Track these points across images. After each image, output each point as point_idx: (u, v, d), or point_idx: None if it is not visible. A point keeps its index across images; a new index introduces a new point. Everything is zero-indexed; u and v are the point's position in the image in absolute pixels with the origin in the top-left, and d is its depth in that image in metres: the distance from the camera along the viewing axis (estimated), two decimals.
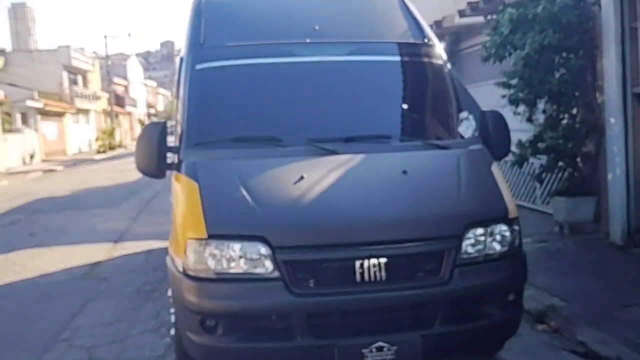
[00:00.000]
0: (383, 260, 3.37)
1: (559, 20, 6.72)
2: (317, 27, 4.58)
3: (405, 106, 4.43)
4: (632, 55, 6.75)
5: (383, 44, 4.58)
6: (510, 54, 7.24)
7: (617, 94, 6.77)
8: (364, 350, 3.33)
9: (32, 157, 33.52)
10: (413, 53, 4.58)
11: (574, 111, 7.30)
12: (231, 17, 4.81)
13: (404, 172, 3.75)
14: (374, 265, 3.36)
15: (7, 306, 6.12)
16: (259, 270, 3.34)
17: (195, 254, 3.40)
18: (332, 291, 3.35)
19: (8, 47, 45.60)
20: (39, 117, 37.51)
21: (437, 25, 10.56)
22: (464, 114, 4.34)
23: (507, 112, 5.37)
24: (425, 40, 4.66)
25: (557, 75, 6.97)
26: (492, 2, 8.24)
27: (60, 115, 41.15)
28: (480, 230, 3.60)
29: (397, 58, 4.55)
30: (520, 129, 7.70)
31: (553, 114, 7.31)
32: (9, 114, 34.98)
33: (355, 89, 4.37)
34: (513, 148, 7.45)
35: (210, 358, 3.50)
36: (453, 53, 10.75)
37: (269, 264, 3.33)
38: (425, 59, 4.59)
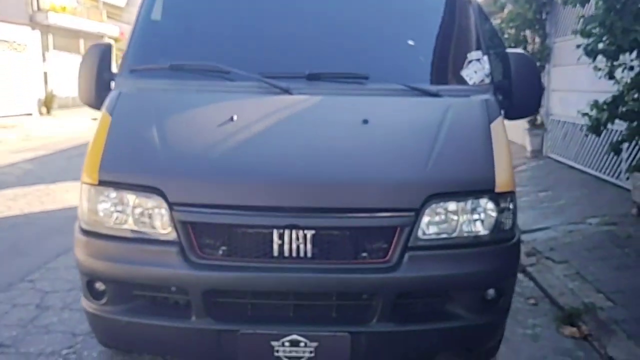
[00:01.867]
0: (310, 232, 2.60)
1: None
2: None
3: (394, 40, 3.48)
4: None
5: None
6: None
7: None
8: (274, 343, 2.62)
9: None
10: None
11: None
12: None
13: (365, 121, 2.90)
14: (298, 238, 2.60)
15: (8, 237, 5.96)
16: (151, 230, 2.69)
17: (87, 202, 2.80)
18: (240, 265, 2.63)
19: None
20: None
21: None
22: (474, 54, 3.36)
23: None
24: None
25: None
26: None
27: None
28: (451, 205, 2.71)
29: None
30: (598, 90, 6.45)
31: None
32: (121, 51, 36.35)
33: (336, 15, 3.49)
34: (587, 110, 6.26)
35: (98, 329, 2.94)
36: None
37: (163, 224, 2.67)
38: None
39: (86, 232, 2.80)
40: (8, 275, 4.76)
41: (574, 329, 4.07)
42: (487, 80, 3.32)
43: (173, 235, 2.65)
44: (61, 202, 7.45)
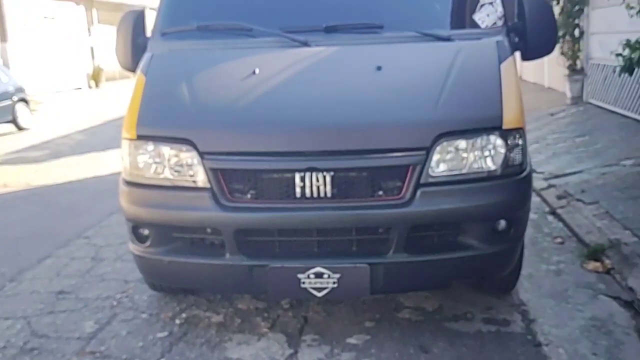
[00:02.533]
0: (329, 173, 2.83)
1: None
2: None
3: None
4: None
5: None
6: None
7: None
8: (300, 275, 2.88)
9: None
10: None
11: None
12: None
13: (379, 68, 3.09)
14: (318, 180, 2.83)
15: (65, 200, 6.44)
16: (186, 178, 2.96)
17: (128, 156, 3.10)
18: (267, 206, 2.89)
19: None
20: None
21: None
22: None
23: None
24: None
25: None
26: None
27: None
28: (461, 143, 2.89)
29: None
30: (637, 30, 6.35)
31: None
32: None
33: None
34: (620, 50, 6.21)
35: (145, 270, 3.27)
36: None
37: (196, 172, 2.94)
38: None
39: (129, 183, 3.11)
40: (66, 233, 5.19)
41: (598, 264, 4.19)
42: (500, 23, 3.43)
43: (205, 182, 2.92)
44: (112, 168, 7.89)
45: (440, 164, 2.88)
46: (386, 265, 2.88)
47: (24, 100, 13.40)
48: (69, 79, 23.17)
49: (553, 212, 5.41)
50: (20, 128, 13.02)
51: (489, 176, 2.93)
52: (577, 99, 10.32)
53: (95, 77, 24.81)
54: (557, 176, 6.35)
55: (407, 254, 2.87)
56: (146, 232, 3.10)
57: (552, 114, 9.73)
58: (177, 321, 3.49)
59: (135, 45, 3.65)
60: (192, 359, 3.10)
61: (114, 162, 8.26)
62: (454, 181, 2.89)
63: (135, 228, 3.13)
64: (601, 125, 8.59)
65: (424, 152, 2.84)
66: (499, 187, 2.94)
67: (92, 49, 25.35)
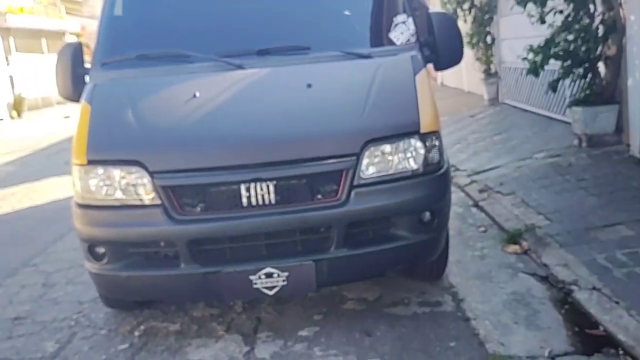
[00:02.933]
0: (272, 182, 3.13)
1: None
2: None
3: (330, 13, 3.99)
4: None
5: None
6: None
7: None
8: (252, 277, 3.16)
9: None
10: None
11: (592, 9, 6.46)
12: None
13: (309, 85, 3.43)
14: (261, 188, 3.13)
15: (4, 231, 6.44)
16: (138, 197, 3.20)
17: (79, 180, 3.30)
18: (216, 217, 3.16)
19: None
20: None
21: None
22: (400, 18, 3.87)
23: None
24: None
25: None
26: None
27: None
28: (386, 147, 3.26)
29: None
30: (540, 35, 6.96)
31: (569, 13, 6.51)
32: (87, 46, 36.13)
33: None
34: (525, 54, 6.82)
35: (103, 286, 3.47)
36: None
37: (147, 190, 3.17)
38: None
39: (81, 206, 3.31)
40: (12, 263, 5.24)
41: (516, 246, 4.67)
42: (413, 40, 3.84)
43: (156, 200, 3.16)
44: (49, 196, 7.90)
45: (370, 166, 3.24)
46: (329, 260, 3.21)
47: None
48: None
49: (476, 205, 5.90)
50: None
51: (412, 174, 3.31)
52: (494, 101, 11.03)
53: (17, 106, 24.05)
54: (478, 172, 6.88)
55: (346, 248, 3.21)
56: (102, 250, 3.29)
57: (472, 116, 10.38)
58: (136, 333, 3.69)
59: (75, 75, 3.85)
60: None
61: (49, 191, 8.26)
62: (383, 181, 3.26)
63: (91, 247, 3.32)
64: (516, 123, 9.27)
65: (354, 158, 3.19)
66: (422, 184, 3.33)
67: (11, 77, 24.60)
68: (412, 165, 3.31)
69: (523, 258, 4.47)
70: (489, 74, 11.08)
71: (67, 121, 20.55)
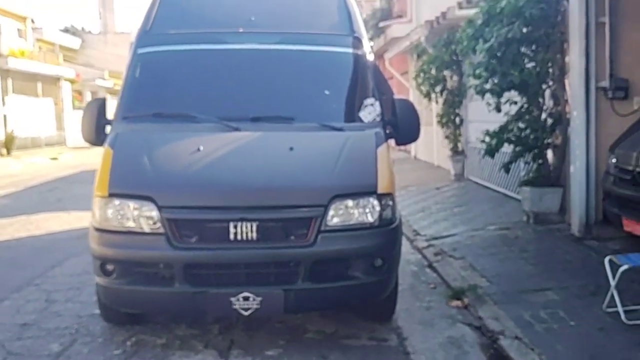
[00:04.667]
0: (254, 222, 3.91)
1: (523, 14, 6.95)
2: (253, 18, 5.13)
3: (314, 92, 4.90)
4: (598, 50, 6.90)
5: (307, 35, 5.06)
6: None
7: (580, 88, 6.93)
8: (232, 299, 3.89)
9: None
10: (333, 44, 5.03)
11: (541, 103, 7.50)
12: (181, 8, 5.40)
13: (291, 148, 4.27)
14: (246, 227, 3.91)
15: (4, 256, 7.09)
16: (147, 225, 3.96)
17: (99, 209, 4.06)
18: (208, 247, 3.93)
19: (95, 29, 47.87)
20: (108, 96, 39.57)
21: (443, 16, 10.84)
22: (369, 101, 4.77)
23: None
24: (350, 33, 5.11)
25: (522, 67, 7.19)
26: None
27: None
28: (349, 202, 4.07)
29: (317, 48, 5.00)
30: (502, 121, 7.93)
31: (522, 105, 7.54)
32: (80, 92, 37.29)
33: (273, 75, 4.89)
34: (482, 137, 7.80)
35: (108, 297, 4.17)
36: None
37: (155, 221, 3.94)
38: (346, 50, 5.03)
39: (99, 230, 4.06)
40: (16, 282, 5.89)
41: (459, 302, 5.42)
42: (378, 119, 4.72)
43: (161, 229, 3.93)
44: (44, 229, 8.57)
45: (334, 217, 4.04)
46: (296, 291, 3.96)
47: None
48: None
49: (430, 266, 6.69)
50: None
51: (369, 226, 4.12)
52: (460, 176, 12.00)
53: (8, 144, 24.68)
54: (436, 238, 7.70)
55: (311, 282, 3.97)
56: (111, 267, 4.02)
57: (437, 188, 11.30)
58: (129, 343, 4.36)
59: (99, 125, 4.66)
60: None
61: (44, 224, 8.93)
62: (344, 229, 4.06)
63: (103, 264, 4.05)
64: (476, 198, 10.20)
65: (322, 208, 4.00)
66: (376, 234, 4.14)
67: (5, 116, 25.33)
68: (369, 218, 4.12)
69: (463, 312, 5.19)
70: (456, 152, 12.10)
71: (54, 162, 21.29)
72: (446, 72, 11.91)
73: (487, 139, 7.70)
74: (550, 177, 7.61)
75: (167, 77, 4.93)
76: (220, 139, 4.36)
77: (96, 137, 4.66)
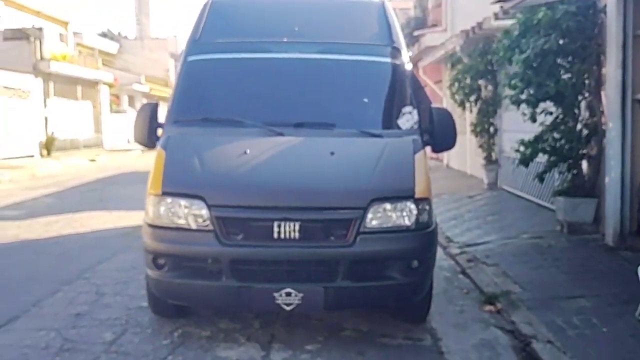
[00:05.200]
0: (297, 222, 4.12)
1: (560, 26, 7.05)
2: (296, 29, 5.37)
3: (354, 99, 5.11)
4: (635, 62, 6.96)
5: (347, 45, 5.27)
6: None
7: (616, 99, 7.00)
8: (275, 294, 4.11)
9: None
10: (373, 53, 5.24)
11: (577, 114, 7.58)
12: (229, 17, 5.68)
13: (332, 153, 4.47)
14: (289, 226, 4.12)
15: (53, 250, 7.45)
16: (196, 223, 4.20)
17: (152, 206, 4.32)
18: (253, 244, 4.16)
19: (131, 35, 49.06)
20: (144, 100, 40.53)
21: (479, 26, 10.96)
22: (407, 109, 4.96)
23: None
24: (390, 43, 5.31)
25: (558, 78, 7.29)
26: (518, 7, 8.57)
27: (164, 99, 44.03)
28: (387, 205, 4.26)
29: (357, 57, 5.21)
30: (536, 130, 8.01)
31: (558, 115, 7.62)
32: (117, 96, 38.21)
33: (315, 83, 5.11)
34: (516, 146, 7.90)
35: (159, 290, 4.42)
36: None
37: (205, 218, 4.18)
38: (385, 60, 5.23)
39: (152, 226, 4.31)
40: (66, 275, 6.22)
41: (492, 306, 5.55)
42: (415, 127, 4.90)
43: (210, 226, 4.16)
44: (89, 227, 8.93)
45: (373, 219, 4.23)
46: (335, 288, 4.16)
47: None
48: (22, 146, 23.78)
49: (463, 272, 6.81)
50: None
51: (406, 229, 4.30)
52: (493, 185, 12.07)
53: (48, 145, 25.46)
54: (469, 245, 7.82)
55: (349, 281, 4.16)
56: (163, 261, 4.27)
57: (470, 197, 11.39)
58: (175, 334, 4.61)
59: (151, 128, 4.94)
60: (191, 357, 4.23)
61: (88, 222, 9.30)
62: (382, 231, 4.25)
63: (155, 258, 4.30)
64: (509, 207, 10.27)
65: (362, 211, 4.19)
66: (413, 237, 4.32)
67: (46, 118, 26.12)
68: (406, 222, 4.30)
69: (496, 316, 5.31)
70: (489, 161, 12.17)
71: (93, 164, 21.89)
72: (481, 82, 12.01)
73: (522, 148, 7.79)
74: (585, 188, 7.66)
75: (215, 83, 5.18)
76: (266, 143, 4.59)
77: (148, 139, 4.94)
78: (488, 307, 5.54)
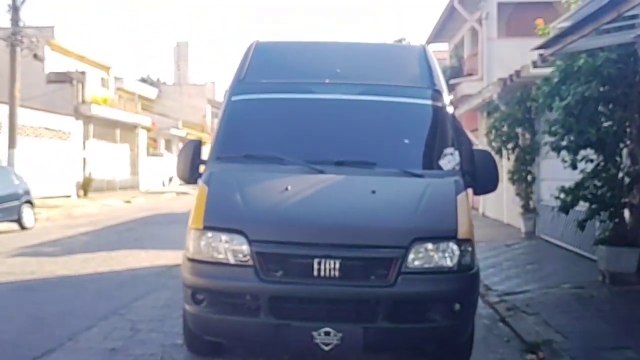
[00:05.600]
0: (338, 260, 4.08)
1: (601, 73, 7.01)
2: (338, 70, 5.43)
3: (395, 140, 5.10)
4: None
5: (389, 87, 5.31)
6: None
7: None
8: (314, 333, 4.04)
9: (170, 180, 36.84)
10: (414, 95, 5.26)
11: (619, 162, 7.45)
12: (273, 59, 5.78)
13: (373, 191, 4.45)
14: (329, 264, 4.08)
15: (89, 287, 7.51)
16: (237, 257, 4.19)
17: (193, 240, 4.33)
18: (293, 281, 4.12)
19: (169, 81, 50.39)
20: (181, 144, 41.27)
21: (517, 74, 10.97)
22: (448, 150, 4.93)
23: None
24: (431, 86, 5.33)
25: (600, 126, 7.21)
26: (557, 54, 8.57)
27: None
28: (429, 245, 4.20)
29: (398, 99, 5.24)
30: (576, 179, 7.89)
31: (599, 163, 7.51)
32: (155, 140, 39.04)
33: (356, 123, 5.13)
34: (557, 194, 7.77)
35: (197, 325, 4.38)
36: None
37: (245, 253, 4.17)
38: (426, 102, 5.24)
39: (192, 260, 4.31)
40: (102, 311, 6.24)
41: (534, 355, 5.37)
42: (457, 168, 4.86)
43: (250, 261, 4.15)
44: (124, 264, 9.01)
45: (415, 259, 4.16)
46: (375, 329, 4.07)
47: (29, 202, 14.52)
48: (60, 185, 24.29)
49: (502, 320, 6.63)
50: (23, 227, 14.03)
51: (448, 270, 4.22)
52: (530, 234, 11.85)
53: (85, 186, 25.99)
54: (508, 294, 7.63)
55: (390, 322, 4.07)
56: (201, 296, 4.25)
57: (507, 245, 11.19)
58: None
59: (193, 164, 4.99)
60: None
61: (124, 260, 9.38)
62: (424, 272, 4.17)
63: (194, 293, 4.28)
64: (548, 256, 10.04)
65: (403, 250, 4.13)
66: (455, 279, 4.23)
67: (84, 160, 26.73)
68: (449, 263, 4.22)
69: None
70: (527, 209, 11.99)
71: (128, 205, 22.21)
72: (518, 130, 11.94)
73: (562, 195, 7.67)
74: (627, 237, 7.47)
75: (258, 122, 5.24)
76: (307, 180, 4.59)
77: (190, 175, 4.98)
78: (530, 356, 5.37)
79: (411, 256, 4.14)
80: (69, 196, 24.70)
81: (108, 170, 28.78)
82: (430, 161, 4.99)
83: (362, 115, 5.20)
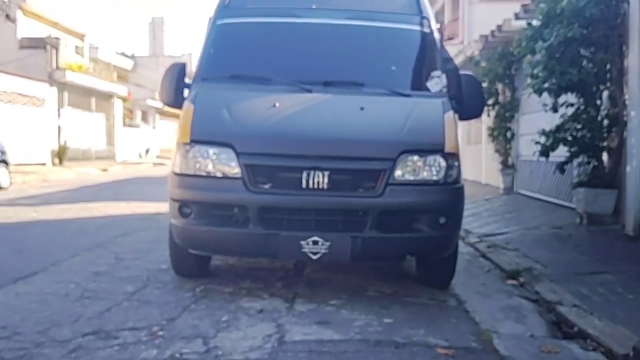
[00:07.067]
0: (326, 171, 4.09)
1: (583, 14, 7.06)
2: None
3: (383, 63, 5.09)
4: None
5: (377, 13, 5.28)
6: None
7: (638, 90, 6.94)
8: (302, 242, 4.06)
9: (147, 152, 36.45)
10: (403, 21, 5.25)
11: (599, 104, 7.55)
12: None
13: (362, 108, 4.45)
14: (318, 175, 4.09)
15: (71, 227, 7.48)
16: (225, 170, 4.18)
17: (181, 155, 4.30)
18: (281, 192, 4.12)
19: (145, 53, 49.85)
20: (157, 116, 40.81)
21: (499, 29, 11.01)
22: (436, 73, 4.94)
23: None
24: (418, 13, 5.32)
25: (581, 67, 7.28)
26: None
27: (177, 116, 44.22)
28: (415, 158, 4.23)
29: (387, 24, 5.21)
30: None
31: (579, 106, 7.60)
32: (130, 111, 38.49)
33: (344, 46, 5.09)
34: (537, 138, 7.86)
35: (184, 238, 4.37)
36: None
37: (233, 166, 4.16)
38: (414, 27, 5.22)
39: (179, 174, 4.28)
40: (86, 244, 6.22)
41: (514, 280, 5.48)
42: (444, 90, 4.88)
43: (238, 173, 4.14)
44: (105, 212, 8.94)
45: (402, 171, 4.20)
46: (363, 238, 4.10)
47: (4, 161, 14.24)
48: (34, 153, 23.88)
49: (483, 255, 6.72)
50: None
51: (435, 183, 4.26)
52: (509, 190, 11.99)
53: (60, 154, 25.56)
54: (487, 235, 7.73)
55: (377, 231, 4.11)
56: (189, 209, 4.24)
57: (487, 199, 11.32)
58: (198, 290, 4.54)
59: (178, 88, 4.92)
60: (215, 307, 4.15)
61: (102, 209, 9.30)
62: (411, 184, 4.21)
63: (181, 207, 4.26)
64: (526, 206, 10.19)
65: (391, 162, 4.16)
66: (441, 191, 4.27)
67: (59, 127, 26.28)
68: (435, 176, 4.26)
69: (519, 288, 5.24)
70: (506, 165, 12.11)
71: (105, 173, 21.97)
72: (499, 85, 12.01)
73: (543, 139, 7.75)
74: (605, 179, 7.58)
75: (244, 45, 5.18)
76: (294, 99, 4.57)
77: (175, 99, 4.91)
78: (511, 281, 5.47)
79: (399, 168, 4.17)
80: (44, 164, 24.27)
81: (84, 140, 28.33)
82: (418, 83, 5.00)
83: (351, 39, 5.17)
